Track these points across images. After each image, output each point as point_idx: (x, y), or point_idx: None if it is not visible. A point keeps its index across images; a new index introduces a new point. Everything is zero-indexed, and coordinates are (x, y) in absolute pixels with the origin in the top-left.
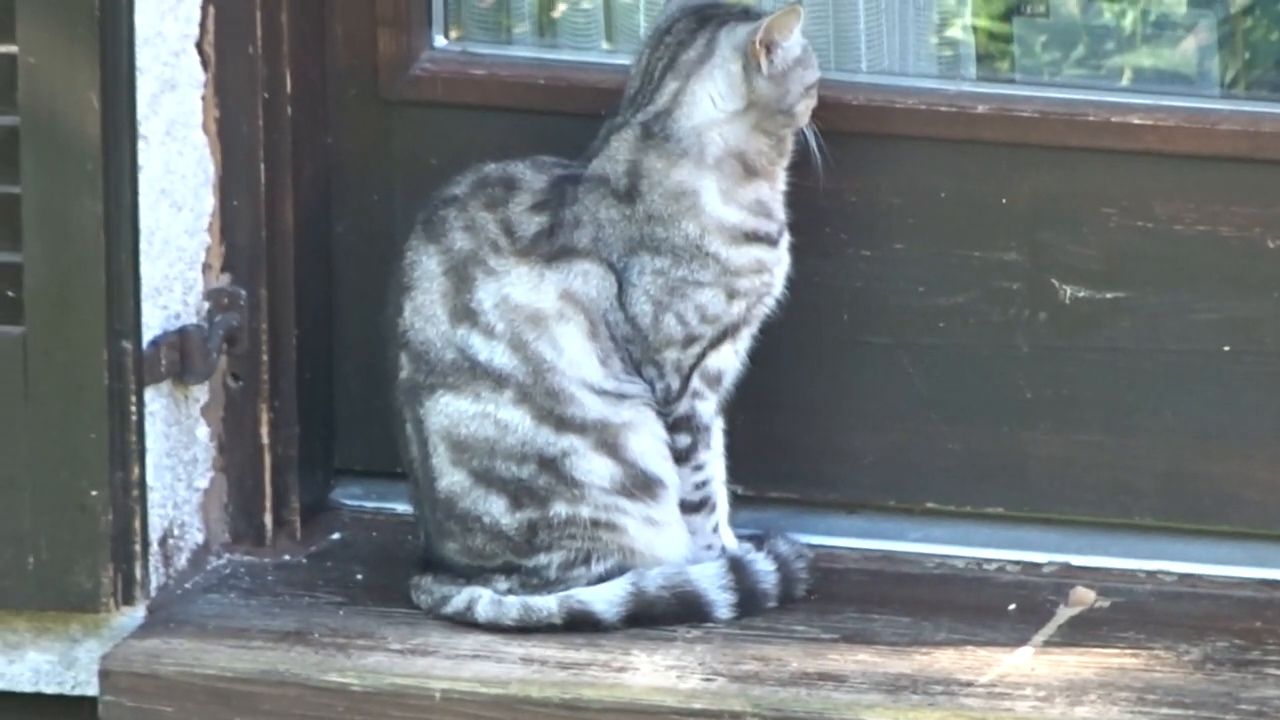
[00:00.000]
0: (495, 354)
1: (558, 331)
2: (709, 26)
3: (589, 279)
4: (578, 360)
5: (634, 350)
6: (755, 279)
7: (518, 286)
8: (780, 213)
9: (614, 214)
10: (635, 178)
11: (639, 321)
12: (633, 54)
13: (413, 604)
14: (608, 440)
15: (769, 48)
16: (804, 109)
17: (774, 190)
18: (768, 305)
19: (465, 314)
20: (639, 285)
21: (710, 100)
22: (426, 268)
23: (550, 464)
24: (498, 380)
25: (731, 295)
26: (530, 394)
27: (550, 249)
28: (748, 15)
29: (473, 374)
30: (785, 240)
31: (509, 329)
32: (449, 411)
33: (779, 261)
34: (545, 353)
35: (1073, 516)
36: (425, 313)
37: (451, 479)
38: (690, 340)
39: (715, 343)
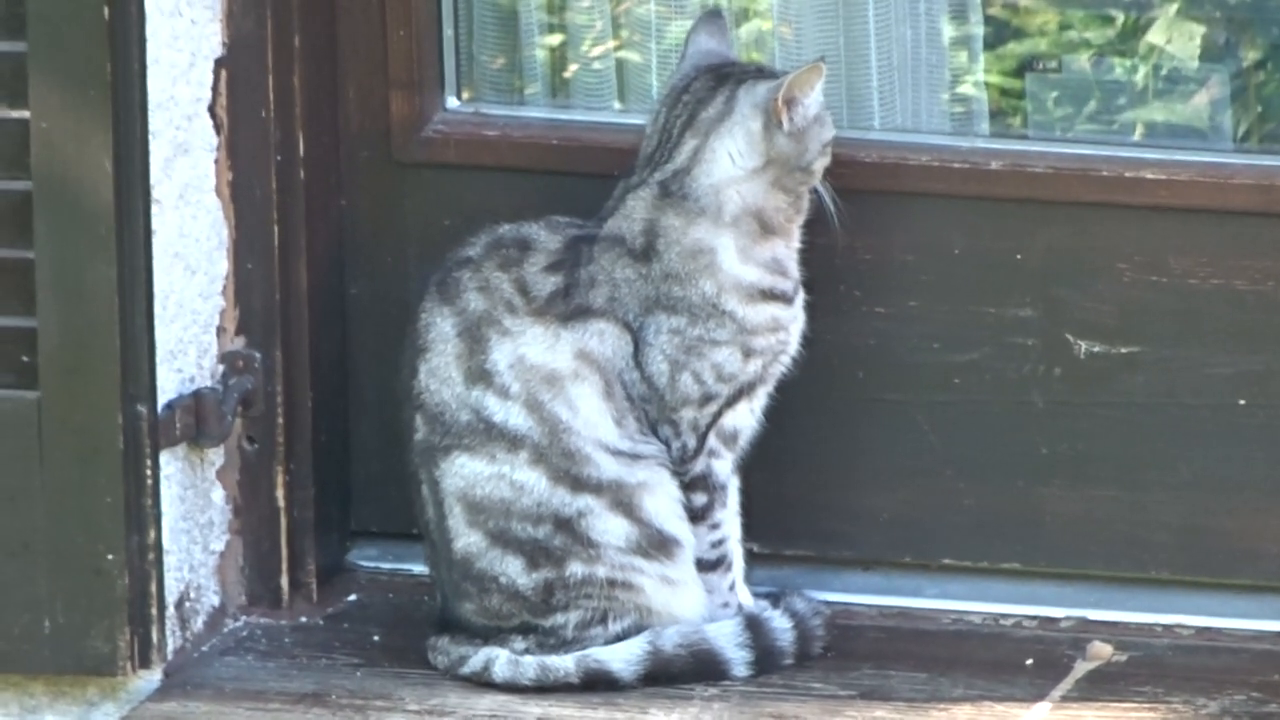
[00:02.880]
0: (510, 415)
1: (573, 392)
2: (728, 84)
3: (605, 339)
4: (593, 420)
5: (650, 410)
6: (771, 337)
7: (533, 347)
8: (795, 271)
9: (630, 273)
10: (652, 236)
11: (655, 381)
12: (648, 113)
13: (430, 665)
14: (623, 500)
15: (790, 105)
16: (820, 166)
17: (790, 248)
18: (783, 363)
19: (480, 375)
20: (655, 344)
21: (729, 158)
22: (441, 329)
23: (566, 524)
24: (513, 441)
25: (748, 354)
26: (546, 455)
27: (566, 309)
28: (763, 73)
29: (488, 435)
30: (800, 298)
31: (524, 389)
32: (464, 473)
33: (794, 319)
34: (561, 413)
35: (1089, 571)
36: (440, 374)
37: (468, 540)
38: (707, 399)
39: (731, 401)
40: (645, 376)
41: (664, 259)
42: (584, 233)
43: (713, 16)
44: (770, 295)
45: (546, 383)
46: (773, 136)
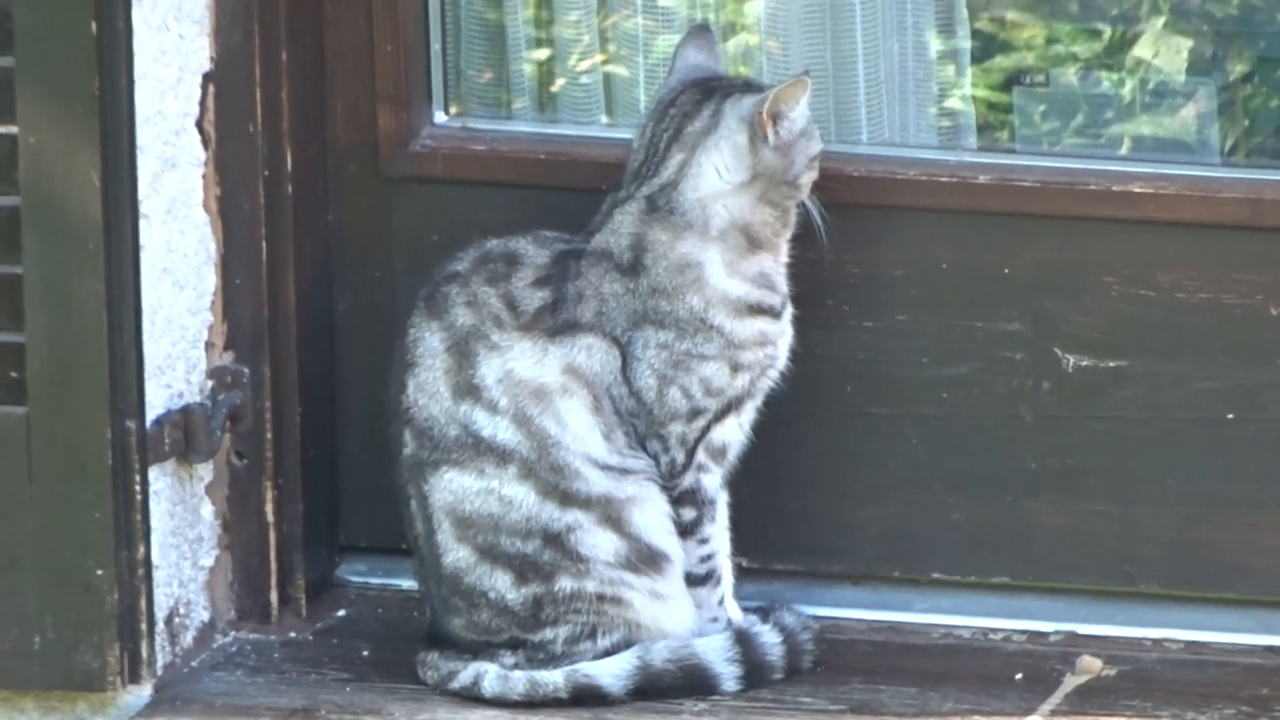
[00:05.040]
0: (499, 430)
1: (561, 406)
2: (714, 98)
3: (593, 353)
4: (582, 435)
5: (639, 424)
6: (759, 351)
7: (521, 361)
8: (783, 285)
9: (618, 288)
10: (639, 251)
11: (643, 395)
12: (635, 127)
13: (419, 680)
14: (612, 515)
15: (775, 118)
16: (807, 180)
17: (777, 262)
18: (771, 378)
19: (468, 390)
20: (643, 359)
21: (716, 172)
22: (429, 344)
23: (555, 539)
24: (501, 456)
25: (736, 368)
26: (534, 469)
27: (553, 324)
28: (750, 87)
29: (476, 450)
30: (788, 313)
31: (512, 404)
32: (453, 488)
33: (782, 334)
34: (549, 428)
35: (1078, 585)
36: (428, 389)
37: (456, 555)
38: (695, 414)
39: (720, 416)
40: (633, 391)
41: (651, 273)
42: (571, 247)
43: (700, 31)
44: (758, 310)
45: (535, 397)
46: (759, 150)
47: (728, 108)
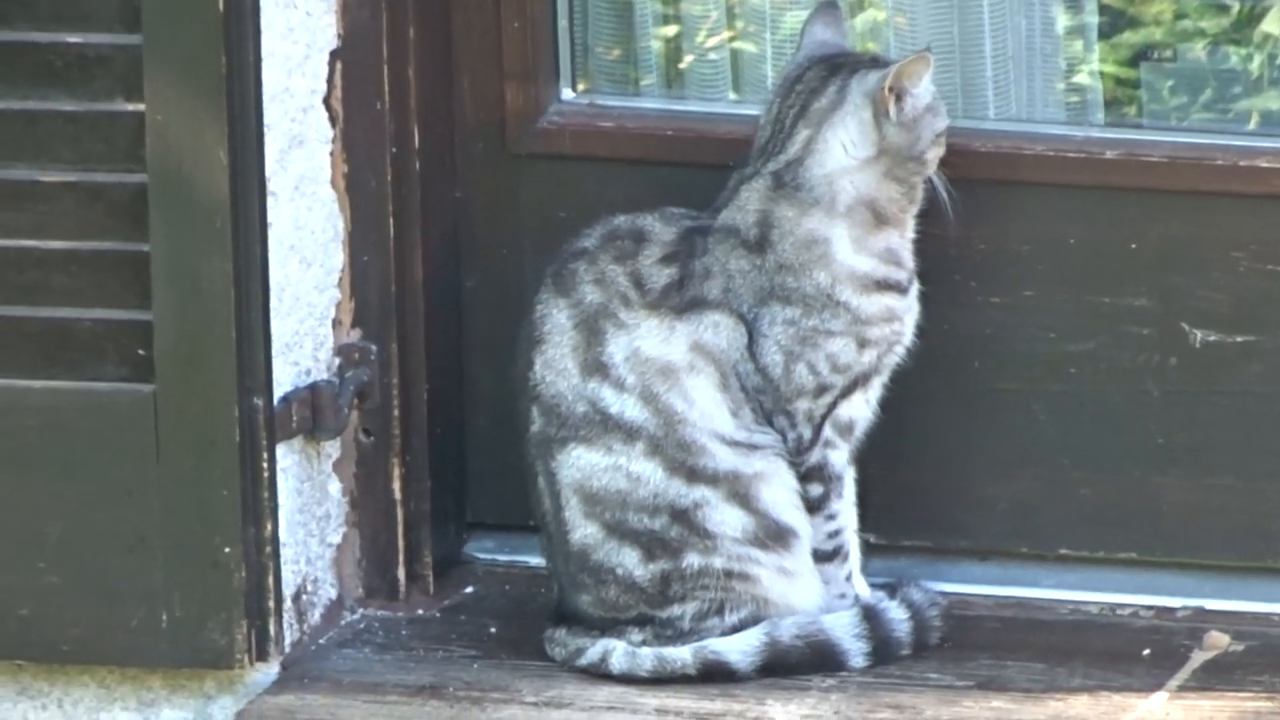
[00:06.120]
0: (626, 407)
1: (689, 383)
2: (840, 74)
3: (719, 330)
4: (709, 412)
5: (765, 401)
6: (886, 327)
7: (648, 339)
8: (910, 261)
9: (744, 264)
10: (766, 227)
11: (770, 372)
12: (762, 104)
13: (547, 657)
14: (739, 491)
15: (899, 95)
16: (933, 156)
17: (904, 238)
18: (898, 354)
19: (596, 367)
20: (770, 335)
21: (842, 148)
22: (557, 321)
23: (682, 515)
24: (629, 433)
25: (862, 344)
26: (662, 446)
27: (680, 301)
28: (877, 63)
29: (604, 427)
30: (915, 288)
31: (640, 382)
32: (581, 465)
33: (909, 310)
34: (676, 405)
35: (1206, 561)
36: (556, 366)
37: (584, 532)
38: (822, 390)
39: (846, 392)
40: (760, 368)
41: (778, 250)
42: (698, 224)
43: (828, 7)
44: (884, 285)
45: (662, 375)
46: (883, 126)
47: (853, 84)
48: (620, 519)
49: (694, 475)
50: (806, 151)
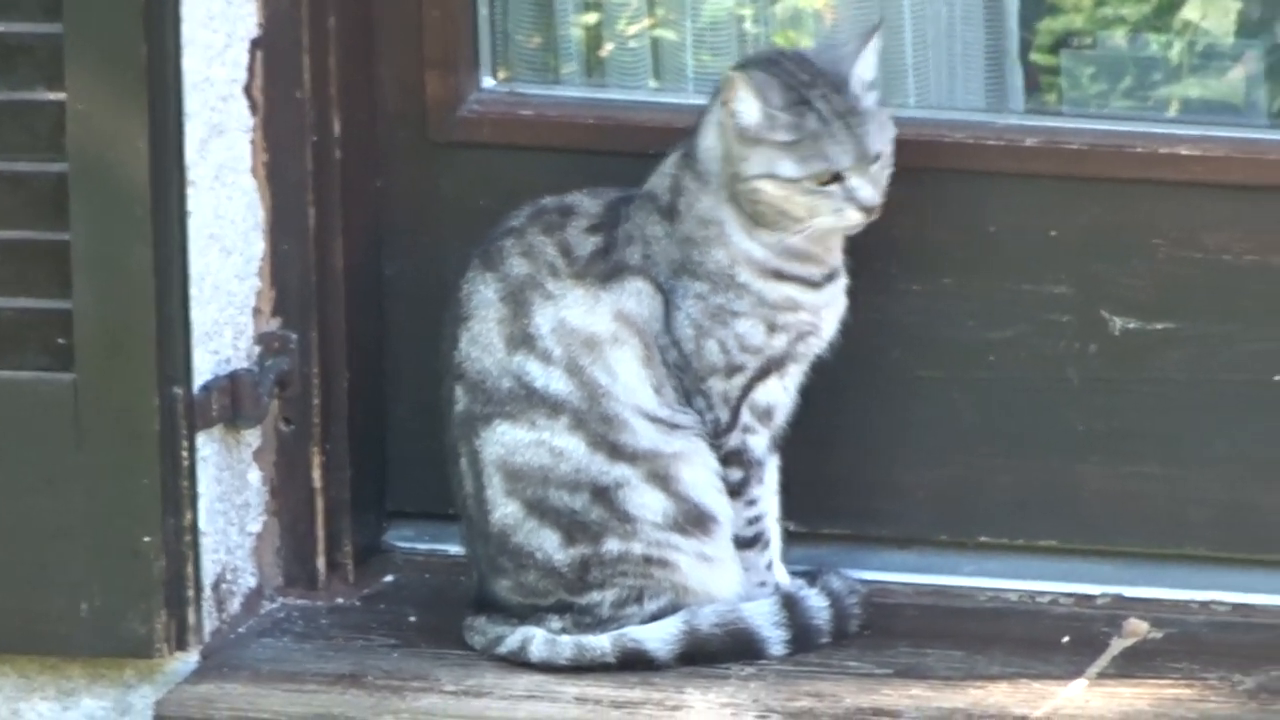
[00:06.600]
0: (552, 380)
1: (612, 356)
2: (749, 60)
3: (641, 298)
4: (632, 386)
5: (685, 379)
6: (792, 316)
7: (574, 309)
8: (829, 257)
9: (658, 230)
10: (675, 195)
11: (683, 346)
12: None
13: (466, 645)
14: (659, 472)
15: (729, 106)
16: (772, 196)
17: (806, 239)
18: (815, 345)
19: (523, 340)
20: (683, 308)
21: (714, 136)
22: (484, 296)
23: (603, 494)
24: (554, 407)
25: (772, 328)
26: (585, 420)
27: (605, 267)
28: (804, 62)
29: (529, 401)
30: (837, 284)
31: (565, 354)
32: (505, 440)
33: (827, 305)
34: (600, 378)
35: (1126, 548)
36: (482, 341)
37: (505, 510)
38: (733, 370)
39: (761, 375)
40: (674, 341)
41: (684, 221)
42: (625, 194)
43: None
44: (785, 276)
45: (586, 346)
46: (726, 130)
47: (734, 73)
48: (541, 496)
49: (615, 451)
50: (701, 126)
